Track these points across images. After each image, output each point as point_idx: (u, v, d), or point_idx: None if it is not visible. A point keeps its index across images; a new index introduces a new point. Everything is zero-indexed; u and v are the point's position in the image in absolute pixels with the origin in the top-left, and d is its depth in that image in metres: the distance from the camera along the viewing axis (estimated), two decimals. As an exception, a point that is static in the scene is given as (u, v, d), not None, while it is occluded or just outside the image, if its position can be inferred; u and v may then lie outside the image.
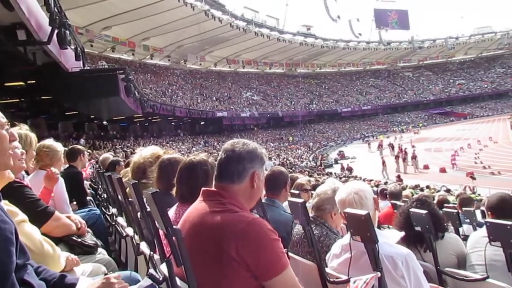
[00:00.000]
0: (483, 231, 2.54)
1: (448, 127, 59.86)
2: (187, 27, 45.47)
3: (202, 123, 48.71)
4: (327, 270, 2.15)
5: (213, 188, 1.68)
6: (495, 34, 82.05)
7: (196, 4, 42.86)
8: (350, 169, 31.26)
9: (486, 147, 33.83)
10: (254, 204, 1.77)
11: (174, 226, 1.45)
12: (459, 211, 4.97)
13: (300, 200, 2.30)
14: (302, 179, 4.88)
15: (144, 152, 3.33)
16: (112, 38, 41.79)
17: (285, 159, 36.63)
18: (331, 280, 2.07)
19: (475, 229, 4.11)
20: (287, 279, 1.54)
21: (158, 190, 1.52)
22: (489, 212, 2.86)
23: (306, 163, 37.06)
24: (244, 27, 53.25)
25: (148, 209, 1.66)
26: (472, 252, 2.66)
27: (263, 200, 2.82)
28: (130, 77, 17.16)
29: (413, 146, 37.72)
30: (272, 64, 68.81)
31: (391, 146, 37.81)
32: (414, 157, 29.49)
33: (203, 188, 1.71)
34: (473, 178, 21.31)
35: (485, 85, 79.83)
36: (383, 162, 28.46)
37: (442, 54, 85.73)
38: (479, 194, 15.91)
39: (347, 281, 1.91)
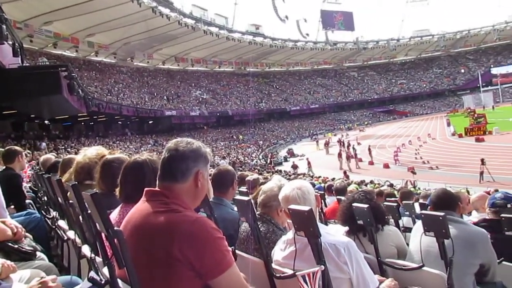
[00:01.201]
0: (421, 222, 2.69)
1: (391, 125, 62.59)
2: (134, 24, 44.31)
3: (150, 122, 47.73)
4: (274, 266, 2.18)
5: (156, 188, 1.66)
6: (432, 37, 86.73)
7: (143, 1, 41.86)
8: (295, 167, 31.72)
9: (425, 144, 35.69)
10: (198, 203, 1.76)
11: (115, 228, 1.42)
12: (400, 204, 5.23)
13: (246, 198, 2.32)
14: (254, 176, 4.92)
15: (88, 152, 3.22)
16: (53, 34, 39.79)
17: (235, 158, 36.70)
18: (278, 275, 2.12)
19: (414, 221, 4.32)
20: (232, 276, 1.55)
21: (97, 191, 1.48)
22: (429, 207, 3.03)
23: (256, 162, 37.34)
24: (193, 25, 52.70)
25: (89, 211, 1.61)
26: (412, 241, 2.81)
27: (211, 199, 2.81)
28: (74, 74, 16.47)
29: (358, 143, 39.13)
30: (221, 62, 68.59)
31: (341, 143, 38.97)
32: (355, 155, 30.67)
33: (146, 188, 1.68)
34: (414, 173, 22.40)
35: (424, 85, 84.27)
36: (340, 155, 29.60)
37: (384, 55, 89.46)
38: (419, 188, 16.77)
39: (293, 275, 1.95)
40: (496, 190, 4.16)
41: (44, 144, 22.06)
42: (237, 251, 2.32)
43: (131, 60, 54.16)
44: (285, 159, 39.35)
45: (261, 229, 2.35)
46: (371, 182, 19.73)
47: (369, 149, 31.41)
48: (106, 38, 46.74)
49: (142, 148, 33.01)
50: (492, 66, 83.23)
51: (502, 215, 2.97)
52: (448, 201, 2.86)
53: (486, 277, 2.69)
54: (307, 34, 76.89)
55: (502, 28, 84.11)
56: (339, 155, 30.61)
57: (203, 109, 54.07)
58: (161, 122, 47.60)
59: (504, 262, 2.87)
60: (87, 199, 1.49)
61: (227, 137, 52.13)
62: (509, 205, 3.22)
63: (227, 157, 36.70)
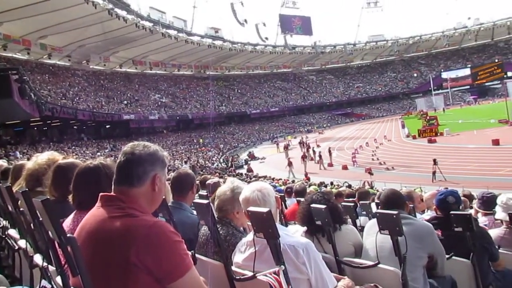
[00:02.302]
0: (375, 220, 2.78)
1: (349, 127, 64.21)
2: (89, 26, 42.99)
3: (107, 126, 46.52)
4: (234, 268, 2.19)
5: (112, 193, 1.63)
6: (386, 42, 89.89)
7: (98, 2, 40.76)
8: (250, 170, 31.85)
9: (382, 145, 36.81)
10: (156, 208, 1.74)
11: (68, 234, 1.38)
12: (357, 204, 5.38)
13: (205, 201, 2.31)
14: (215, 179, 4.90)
15: (39, 158, 3.10)
16: (3, 35, 37.91)
17: (195, 162, 36.39)
18: (238, 277, 2.12)
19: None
20: (191, 280, 1.54)
21: (49, 197, 1.43)
22: (380, 207, 3.14)
23: (217, 165, 37.19)
24: (151, 27, 51.83)
25: (41, 218, 1.55)
26: (366, 239, 2.90)
27: (169, 203, 2.78)
28: (25, 77, 15.88)
29: (318, 146, 39.81)
30: (180, 66, 67.89)
31: (303, 144, 39.49)
32: (320, 157, 31.13)
33: (101, 194, 1.64)
34: (371, 174, 23.05)
35: (380, 88, 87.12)
36: (290, 163, 29.49)
37: (342, 59, 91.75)
38: (377, 190, 17.25)
39: (253, 277, 1.97)
40: (446, 188, 4.37)
41: (17, 152, 21.09)
42: (196, 255, 2.31)
43: (86, 63, 52.49)
44: (246, 162, 39.43)
45: (220, 232, 2.35)
46: (331, 183, 20.09)
47: (329, 151, 31.99)
48: (60, 40, 45.08)
49: (99, 153, 32.12)
50: (442, 70, 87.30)
51: (451, 212, 3.12)
52: (396, 200, 2.99)
53: (436, 270, 2.82)
54: (266, 38, 77.61)
55: (451, 34, 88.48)
56: (303, 157, 30.82)
57: (162, 112, 53.29)
58: (119, 126, 46.47)
59: (453, 257, 3.02)
60: (38, 206, 1.44)
61: (187, 141, 51.64)
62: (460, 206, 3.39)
63: (188, 161, 36.31)
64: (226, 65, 76.07)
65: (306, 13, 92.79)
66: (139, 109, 50.33)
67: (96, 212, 1.60)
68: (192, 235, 2.66)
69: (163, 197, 1.81)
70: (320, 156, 31.08)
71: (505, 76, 75.31)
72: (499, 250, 3.29)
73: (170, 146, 44.99)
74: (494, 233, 3.54)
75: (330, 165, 30.55)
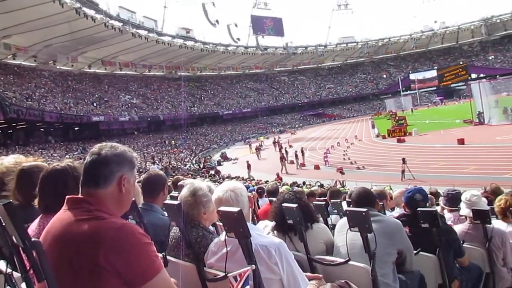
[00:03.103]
0: (346, 218, 2.83)
1: (321, 127, 65.00)
2: (55, 25, 41.97)
3: (76, 128, 45.52)
4: (206, 269, 2.18)
5: (79, 195, 1.59)
6: (356, 44, 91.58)
7: (65, 1, 39.78)
8: (217, 171, 31.85)
9: (353, 145, 37.39)
10: (125, 210, 1.70)
11: (33, 239, 1.33)
12: (329, 203, 5.45)
13: (176, 202, 2.29)
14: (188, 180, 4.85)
15: (5, 161, 2.99)
16: (-37, 35, 36.70)
17: (167, 163, 35.99)
18: (209, 278, 2.11)
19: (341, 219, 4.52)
20: (162, 282, 1.52)
21: (12, 201, 1.38)
22: (352, 205, 3.19)
23: (190, 166, 36.92)
24: (120, 27, 51.03)
25: (3, 223, 1.50)
26: (338, 237, 2.95)
27: (140, 205, 2.74)
28: (-13, 78, 15.28)
29: (290, 146, 40.09)
30: (151, 66, 67.04)
31: (277, 143, 39.63)
32: (296, 157, 31.34)
33: (67, 196, 1.59)
34: (342, 173, 23.35)
35: (350, 89, 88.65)
36: (282, 158, 30.03)
37: (313, 60, 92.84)
38: (348, 188, 17.50)
39: (225, 277, 1.96)
40: (415, 187, 4.48)
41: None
42: (168, 257, 2.28)
43: (53, 64, 51.10)
44: (219, 163, 39.35)
45: (192, 234, 2.33)
46: (304, 183, 20.24)
47: (302, 151, 32.25)
48: (25, 40, 43.77)
49: (67, 156, 31.30)
50: (410, 72, 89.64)
51: (418, 209, 3.21)
52: (367, 198, 3.06)
53: (405, 266, 2.90)
54: (238, 39, 77.69)
55: (418, 37, 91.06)
56: (281, 158, 30.80)
57: (133, 114, 52.52)
58: (88, 128, 45.60)
59: (421, 253, 3.11)
60: (0, 210, 1.39)
61: (159, 142, 51.03)
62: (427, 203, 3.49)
63: (159, 162, 35.86)
64: (198, 65, 75.65)
65: (277, 14, 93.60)
66: (109, 111, 49.43)
67: (63, 215, 1.55)
68: (164, 237, 2.62)
69: (133, 199, 1.78)
70: (296, 156, 31.29)
71: (469, 78, 77.87)
72: (464, 245, 3.40)
73: (141, 148, 44.37)
74: (458, 228, 3.67)
75: (303, 165, 30.84)
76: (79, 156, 31.88)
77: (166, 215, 2.69)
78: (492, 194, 5.93)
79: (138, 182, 2.91)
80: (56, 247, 1.47)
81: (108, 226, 1.45)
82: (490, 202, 4.78)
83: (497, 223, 3.87)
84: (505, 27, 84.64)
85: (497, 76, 62.03)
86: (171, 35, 64.02)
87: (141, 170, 23.34)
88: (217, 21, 73.04)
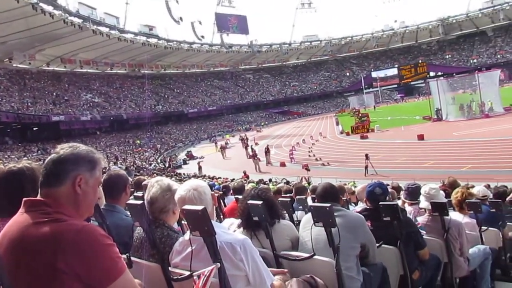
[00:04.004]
0: (310, 214, 2.87)
1: (286, 125, 65.58)
2: (11, 21, 40.20)
3: (35, 128, 43.91)
4: (171, 269, 2.16)
5: (38, 197, 1.53)
6: (320, 42, 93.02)
7: (21, -4, 38.25)
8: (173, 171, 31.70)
9: (318, 142, 37.92)
10: (87, 213, 1.64)
11: (-13, 243, 1.28)
12: (294, 199, 5.51)
13: (139, 202, 2.26)
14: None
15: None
16: None
17: (132, 163, 35.33)
18: (175, 278, 2.10)
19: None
20: (125, 284, 1.48)
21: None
22: (316, 200, 3.24)
23: (155, 166, 36.36)
24: (80, 24, 49.53)
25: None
26: (303, 232, 2.99)
27: (102, 206, 2.68)
28: None
29: (256, 144, 40.16)
30: (113, 64, 65.53)
31: (244, 140, 39.60)
32: (266, 154, 31.35)
33: (24, 199, 1.54)
34: (308, 170, 23.62)
35: (315, 87, 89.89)
36: (254, 155, 30.26)
37: (278, 58, 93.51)
38: (313, 184, 17.72)
39: (190, 276, 1.95)
40: (377, 181, 4.61)
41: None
42: (132, 258, 2.24)
43: (9, 61, 49.02)
44: (185, 162, 39.02)
45: (156, 234, 2.30)
46: (270, 180, 20.33)
47: (268, 149, 32.36)
48: (-22, 37, 41.86)
49: (26, 158, 30.14)
50: (372, 70, 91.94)
51: (380, 203, 3.30)
52: (332, 194, 3.12)
53: (368, 259, 2.98)
54: (202, 37, 77.17)
55: (379, 36, 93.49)
56: (253, 156, 30.68)
57: (95, 113, 51.17)
58: (48, 128, 44.06)
59: (383, 245, 3.20)
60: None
61: (123, 142, 49.99)
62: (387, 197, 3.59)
63: (123, 162, 35.13)
64: (162, 63, 74.57)
65: (242, 12, 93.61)
66: (69, 110, 47.95)
67: (19, 218, 1.49)
68: (127, 238, 2.58)
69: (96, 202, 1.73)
70: (266, 153, 31.30)
71: (428, 76, 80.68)
72: (423, 236, 3.53)
73: (104, 148, 43.32)
74: (418, 220, 3.80)
75: (269, 162, 30.95)
76: (39, 157, 30.78)
77: (129, 215, 2.64)
78: (450, 187, 6.19)
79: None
80: (13, 251, 1.41)
81: (67, 229, 1.41)
82: (448, 195, 4.98)
83: (454, 215, 4.05)
84: (461, 27, 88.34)
85: (454, 74, 64.47)
86: (134, 32, 62.83)
87: (104, 171, 22.74)
88: (180, 18, 72.24)
